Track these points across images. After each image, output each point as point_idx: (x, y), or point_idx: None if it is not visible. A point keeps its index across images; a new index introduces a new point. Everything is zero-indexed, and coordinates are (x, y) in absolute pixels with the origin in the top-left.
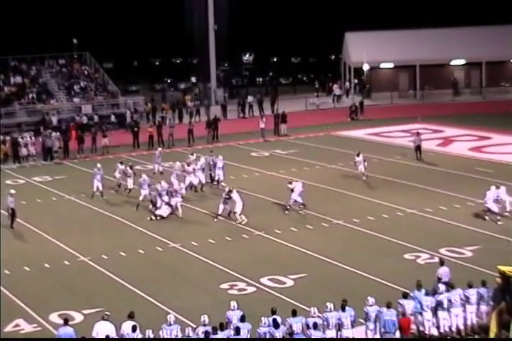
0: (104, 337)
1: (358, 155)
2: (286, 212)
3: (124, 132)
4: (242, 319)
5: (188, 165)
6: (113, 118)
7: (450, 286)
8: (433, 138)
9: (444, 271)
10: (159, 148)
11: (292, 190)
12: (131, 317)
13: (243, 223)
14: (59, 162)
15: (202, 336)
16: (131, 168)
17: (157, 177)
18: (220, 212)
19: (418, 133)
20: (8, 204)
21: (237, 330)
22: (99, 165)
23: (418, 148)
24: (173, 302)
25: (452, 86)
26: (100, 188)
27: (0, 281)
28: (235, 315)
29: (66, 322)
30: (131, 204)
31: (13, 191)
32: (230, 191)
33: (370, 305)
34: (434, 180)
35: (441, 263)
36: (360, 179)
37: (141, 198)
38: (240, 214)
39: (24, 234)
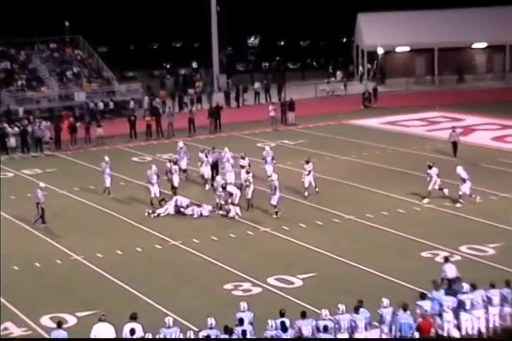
0: None
1: (430, 167)
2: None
3: (121, 121)
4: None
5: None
6: (112, 105)
7: (472, 286)
8: (453, 127)
9: (449, 268)
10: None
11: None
12: (133, 318)
13: (236, 217)
14: (50, 154)
15: None
16: (175, 163)
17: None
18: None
19: (454, 128)
20: (38, 199)
21: (243, 333)
22: (107, 158)
23: (454, 144)
24: (173, 304)
25: (457, 72)
26: (108, 184)
27: None
28: (246, 317)
29: (59, 325)
30: (128, 199)
31: (42, 184)
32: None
33: (385, 307)
34: (454, 171)
35: (446, 259)
36: (374, 171)
37: (152, 195)
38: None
39: (13, 231)
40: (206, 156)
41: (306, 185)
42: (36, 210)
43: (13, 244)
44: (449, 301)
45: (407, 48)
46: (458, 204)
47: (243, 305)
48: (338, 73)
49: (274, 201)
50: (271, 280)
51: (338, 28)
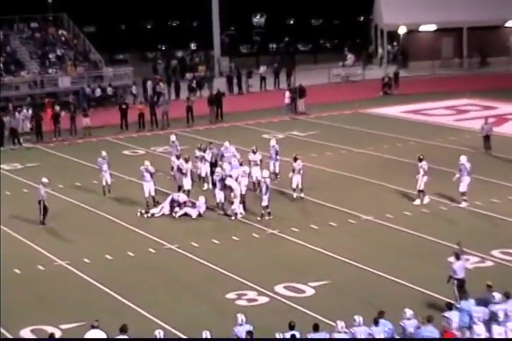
0: None
1: (420, 160)
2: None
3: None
4: (250, 334)
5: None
6: (110, 91)
7: (505, 296)
8: (484, 116)
9: (459, 266)
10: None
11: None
12: (123, 331)
13: (238, 217)
14: (31, 146)
15: None
16: (186, 161)
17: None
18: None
19: (487, 119)
20: (41, 196)
21: None
22: (104, 152)
23: (487, 138)
24: (168, 315)
25: (479, 54)
26: (108, 181)
27: None
28: (244, 331)
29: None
30: (119, 197)
31: (45, 179)
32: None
33: (408, 319)
34: (485, 166)
35: (457, 257)
36: (395, 166)
37: (146, 194)
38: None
39: None
40: (203, 152)
41: (294, 185)
42: (38, 209)
43: None
44: (480, 312)
45: (432, 27)
46: (463, 204)
47: (241, 317)
48: (350, 56)
49: (264, 202)
50: (279, 288)
51: (354, 5)
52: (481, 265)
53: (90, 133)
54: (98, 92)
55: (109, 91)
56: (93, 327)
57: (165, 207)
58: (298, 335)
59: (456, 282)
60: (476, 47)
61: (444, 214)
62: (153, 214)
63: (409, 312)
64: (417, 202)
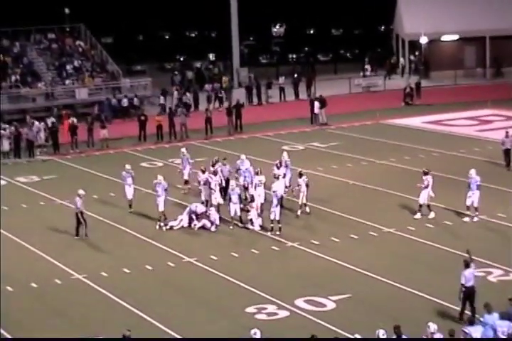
0: None
1: (425, 173)
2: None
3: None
4: None
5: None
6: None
7: None
8: (506, 126)
9: (469, 275)
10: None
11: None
12: None
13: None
14: (47, 158)
15: None
16: (215, 174)
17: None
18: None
19: (508, 133)
20: (77, 209)
21: None
22: (128, 166)
23: (507, 152)
24: (186, 330)
25: (494, 63)
26: (130, 197)
27: None
28: None
29: None
30: (136, 210)
31: (82, 191)
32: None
33: (432, 333)
34: (509, 178)
35: (467, 265)
36: (417, 177)
37: (161, 208)
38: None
39: (6, 247)
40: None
41: (301, 201)
42: (76, 222)
43: (6, 261)
44: (505, 326)
45: (455, 37)
46: (466, 218)
47: (254, 331)
48: (367, 67)
49: (276, 216)
50: (299, 302)
51: (375, 15)
52: (505, 278)
53: (108, 144)
54: (125, 103)
55: (136, 101)
56: (124, 337)
57: (184, 219)
58: None
59: (464, 290)
60: (498, 56)
61: (467, 227)
62: (172, 227)
63: (433, 326)
64: (418, 215)
